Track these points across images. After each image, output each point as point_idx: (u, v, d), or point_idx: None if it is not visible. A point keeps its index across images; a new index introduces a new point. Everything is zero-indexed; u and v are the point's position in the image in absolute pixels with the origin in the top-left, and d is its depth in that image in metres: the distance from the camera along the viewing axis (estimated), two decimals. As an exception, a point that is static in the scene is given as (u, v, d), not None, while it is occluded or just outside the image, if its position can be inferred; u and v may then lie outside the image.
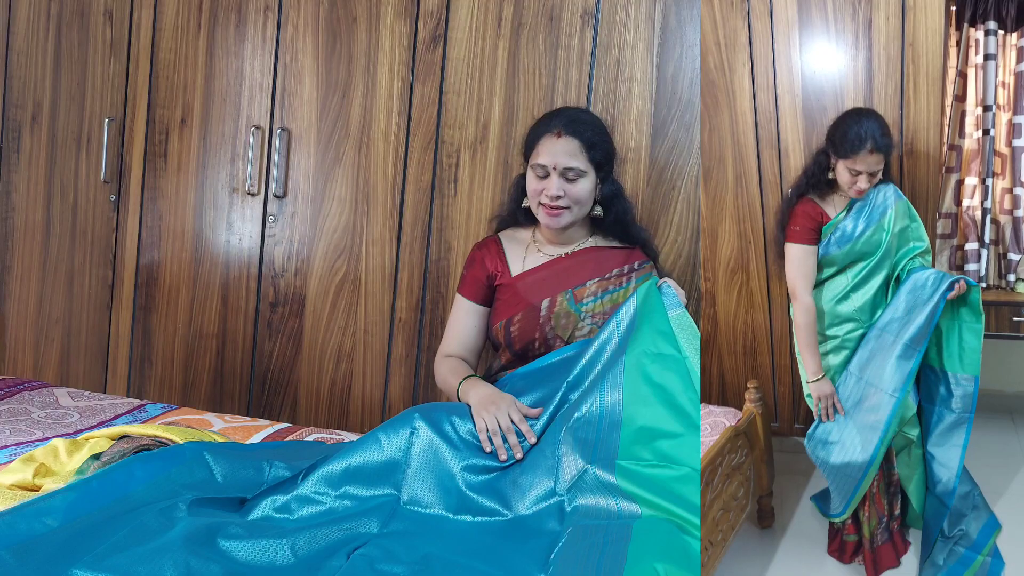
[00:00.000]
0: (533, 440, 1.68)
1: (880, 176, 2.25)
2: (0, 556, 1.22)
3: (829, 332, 2.34)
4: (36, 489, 1.60)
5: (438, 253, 2.52)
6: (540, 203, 1.89)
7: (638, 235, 1.98)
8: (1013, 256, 3.10)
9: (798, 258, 2.31)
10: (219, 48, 2.71)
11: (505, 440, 1.67)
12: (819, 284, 2.36)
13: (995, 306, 2.94)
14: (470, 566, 1.38)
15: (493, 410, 1.70)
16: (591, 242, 1.97)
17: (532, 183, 1.90)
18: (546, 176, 1.87)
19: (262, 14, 2.65)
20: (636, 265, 1.95)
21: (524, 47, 2.41)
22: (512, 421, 1.69)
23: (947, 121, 2.89)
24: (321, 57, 2.59)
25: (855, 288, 2.32)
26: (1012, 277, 3.09)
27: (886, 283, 2.34)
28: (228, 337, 2.74)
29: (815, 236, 2.31)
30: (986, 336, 2.89)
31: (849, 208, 2.31)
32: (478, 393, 1.78)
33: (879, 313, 2.32)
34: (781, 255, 2.39)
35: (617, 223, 1.96)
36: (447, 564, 1.39)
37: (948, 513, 2.32)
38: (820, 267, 2.34)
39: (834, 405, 2.29)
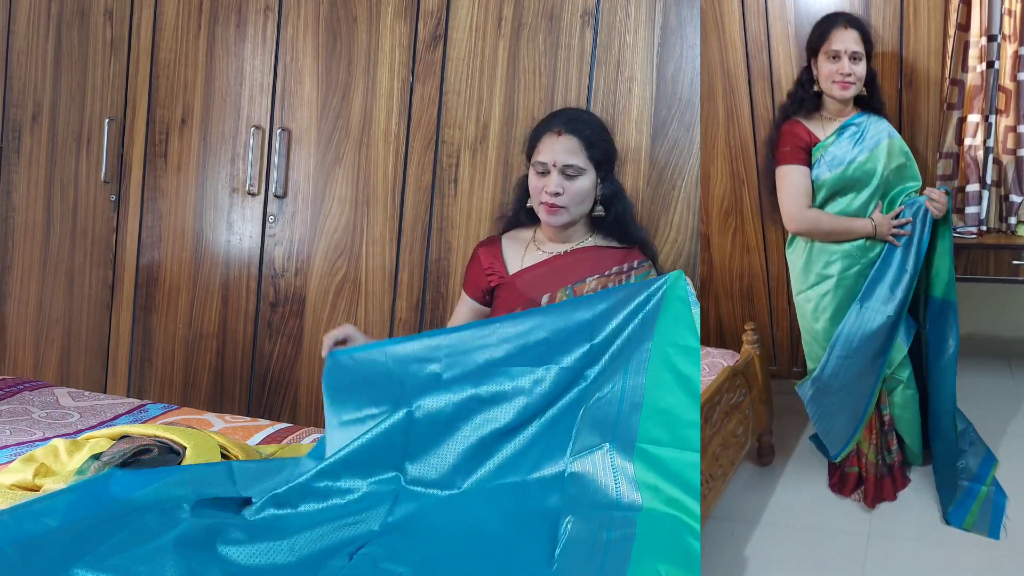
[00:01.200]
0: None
1: (864, 67, 2.18)
2: (5, 551, 1.23)
3: (826, 271, 2.30)
4: (36, 489, 1.60)
5: (438, 253, 2.52)
6: (541, 201, 1.91)
7: (636, 234, 1.99)
8: (1015, 198, 2.97)
9: (789, 178, 2.25)
10: (219, 48, 2.71)
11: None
12: None
13: (995, 249, 2.87)
14: (473, 567, 1.38)
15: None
16: (590, 241, 1.98)
17: (533, 181, 1.93)
18: (546, 173, 1.89)
19: (262, 14, 2.65)
20: (635, 264, 1.95)
21: (524, 47, 2.41)
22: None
23: (949, 53, 2.74)
24: (321, 57, 2.59)
25: None
26: (1013, 220, 2.98)
27: None
28: (228, 337, 2.74)
29: (805, 157, 2.25)
30: (985, 280, 2.86)
31: (841, 132, 2.25)
32: None
33: (876, 250, 2.27)
34: (774, 191, 2.32)
35: (616, 222, 1.96)
36: (450, 563, 1.39)
37: (955, 448, 2.32)
38: (812, 192, 2.27)
39: (900, 226, 2.24)
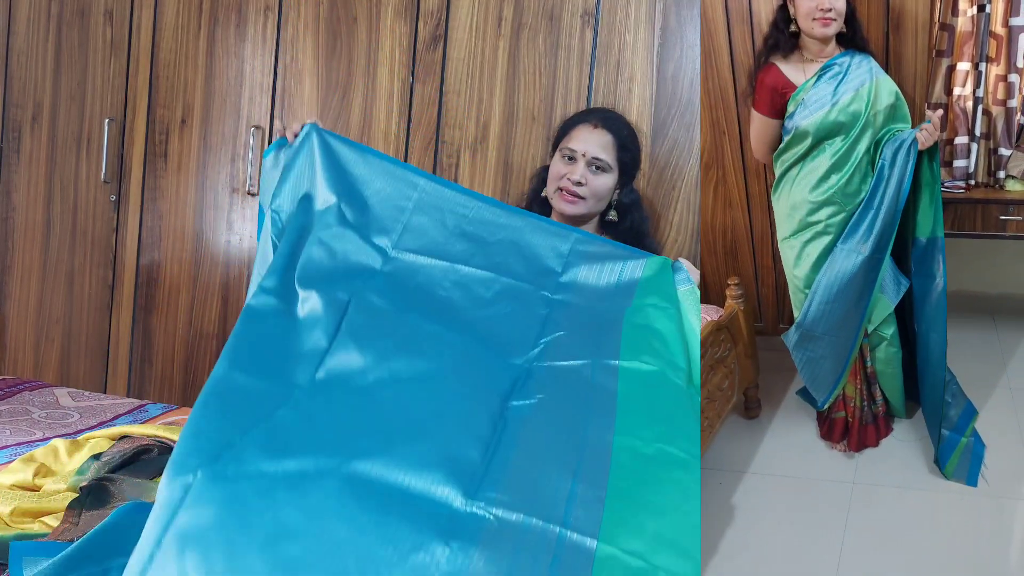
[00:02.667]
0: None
1: (844, 2, 2.09)
2: None
3: (810, 218, 2.22)
4: (36, 489, 1.60)
5: (438, 253, 2.52)
6: (559, 188, 1.89)
7: (650, 247, 1.98)
8: (1004, 151, 2.86)
9: (756, 126, 2.21)
10: (219, 48, 2.71)
11: None
12: (796, 163, 2.22)
13: (983, 204, 2.80)
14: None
15: None
16: None
17: (557, 166, 1.91)
18: (573, 161, 1.89)
19: (262, 14, 2.65)
20: None
21: (524, 47, 2.41)
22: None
23: None
24: (321, 57, 2.59)
25: (835, 168, 2.16)
26: (1002, 174, 2.88)
27: (871, 163, 2.17)
28: (228, 337, 2.74)
29: (778, 108, 2.16)
30: (971, 235, 2.82)
31: (821, 74, 2.13)
32: None
33: (863, 195, 2.17)
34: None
35: (632, 231, 1.96)
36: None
37: (943, 399, 2.31)
38: (793, 141, 2.18)
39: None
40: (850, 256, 2.18)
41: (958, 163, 2.90)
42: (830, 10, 2.06)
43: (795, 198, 2.23)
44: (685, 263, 1.74)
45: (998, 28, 2.82)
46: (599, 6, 2.36)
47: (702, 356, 2.08)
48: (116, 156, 2.85)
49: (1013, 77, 2.85)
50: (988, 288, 3.53)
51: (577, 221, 1.93)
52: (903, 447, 2.46)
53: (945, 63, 2.83)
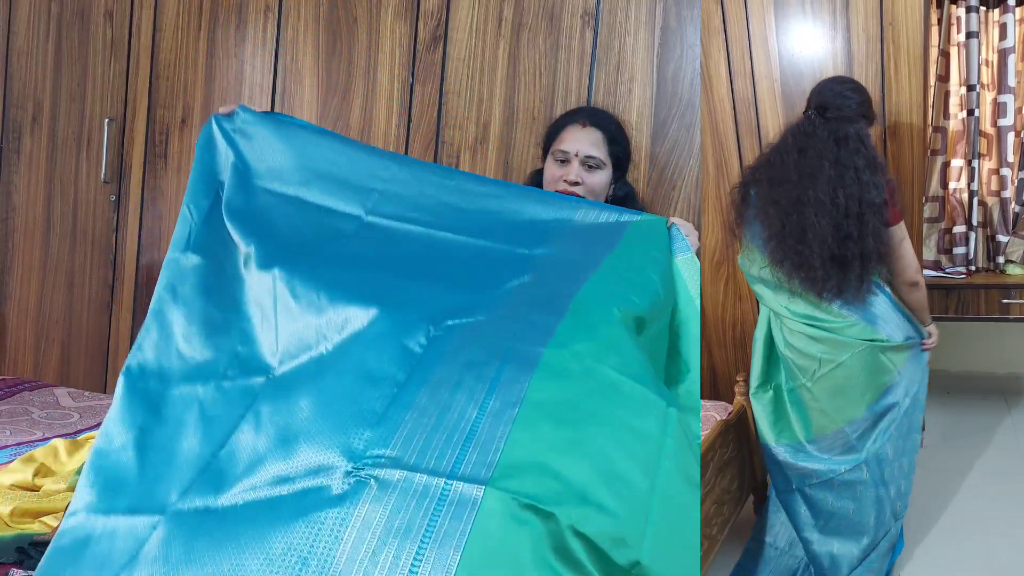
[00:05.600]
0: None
1: None
2: None
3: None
4: (36, 489, 1.60)
5: (438, 253, 2.52)
6: (557, 190, 1.89)
7: None
8: (1002, 238, 3.05)
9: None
10: (219, 49, 2.71)
11: None
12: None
13: (985, 289, 2.92)
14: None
15: None
16: None
17: (551, 170, 1.92)
18: (566, 163, 1.89)
19: (262, 15, 2.65)
20: None
21: (524, 47, 2.41)
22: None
23: (931, 102, 2.81)
24: (321, 58, 2.59)
25: None
26: (1001, 259, 3.04)
27: None
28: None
29: None
30: (976, 319, 2.86)
31: None
32: None
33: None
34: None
35: None
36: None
37: None
38: None
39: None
40: None
41: (957, 250, 3.05)
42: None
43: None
44: (681, 224, 1.68)
45: (987, 128, 3.05)
46: (599, 6, 2.36)
47: (711, 458, 2.06)
48: (116, 156, 2.84)
49: (1005, 171, 3.05)
50: (996, 368, 3.64)
51: None
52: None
53: (940, 160, 3.02)
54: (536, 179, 2.01)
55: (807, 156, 2.11)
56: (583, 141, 1.90)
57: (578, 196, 1.88)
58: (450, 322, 1.35)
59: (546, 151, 1.98)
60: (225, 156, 1.69)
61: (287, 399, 1.30)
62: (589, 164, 1.89)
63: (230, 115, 1.72)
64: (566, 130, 1.94)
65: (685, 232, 1.67)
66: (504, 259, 1.56)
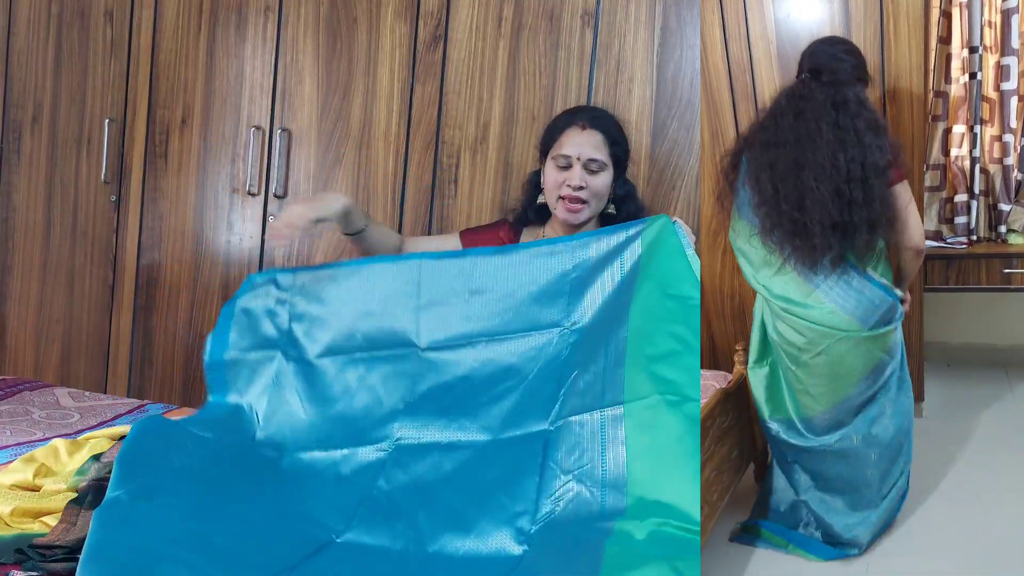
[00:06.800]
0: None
1: None
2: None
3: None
4: (36, 489, 1.60)
5: (438, 253, 2.52)
6: (560, 196, 1.88)
7: None
8: (1003, 206, 2.98)
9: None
10: (219, 48, 2.71)
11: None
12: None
13: (986, 259, 2.88)
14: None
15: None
16: None
17: (552, 175, 1.90)
18: (568, 167, 1.87)
19: (262, 14, 2.65)
20: None
21: (524, 47, 2.41)
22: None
23: (931, 66, 2.72)
24: (321, 57, 2.59)
25: None
26: (1003, 228, 2.99)
27: None
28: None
29: None
30: (977, 289, 2.83)
31: None
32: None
33: None
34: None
35: (629, 220, 1.96)
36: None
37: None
38: None
39: None
40: None
41: (959, 219, 2.99)
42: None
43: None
44: (680, 225, 1.70)
45: (990, 92, 2.94)
46: (599, 6, 2.36)
47: (710, 426, 2.07)
48: (116, 156, 2.85)
49: (1008, 137, 2.96)
50: (997, 340, 3.57)
51: (583, 225, 1.92)
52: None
53: (941, 127, 2.93)
54: (534, 180, 2.01)
55: (804, 119, 2.05)
56: (584, 144, 1.88)
57: (583, 201, 1.87)
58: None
59: (544, 153, 1.97)
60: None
61: None
62: (591, 168, 1.88)
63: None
64: (565, 133, 1.91)
65: (684, 229, 1.70)
66: (551, 352, 1.66)
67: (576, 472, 1.50)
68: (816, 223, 2.02)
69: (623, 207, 1.95)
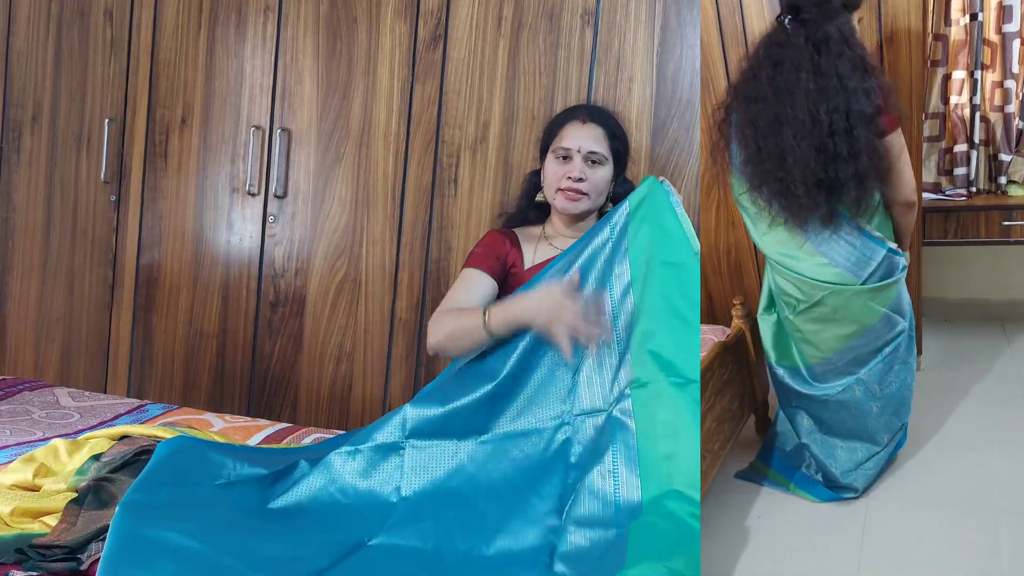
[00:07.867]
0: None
1: None
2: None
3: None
4: (36, 489, 1.60)
5: (438, 253, 2.52)
6: (559, 188, 1.88)
7: None
8: (1004, 157, 2.86)
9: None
10: (219, 48, 2.71)
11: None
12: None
13: (985, 211, 2.79)
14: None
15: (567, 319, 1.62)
16: None
17: (553, 168, 1.89)
18: (568, 159, 1.88)
19: (262, 14, 2.65)
20: None
21: (524, 47, 2.41)
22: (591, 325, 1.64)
23: (931, 6, 2.61)
24: (321, 57, 2.59)
25: None
26: (1003, 179, 2.87)
27: None
28: (228, 337, 2.74)
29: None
30: (975, 243, 2.74)
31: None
32: (522, 305, 1.67)
33: None
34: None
35: None
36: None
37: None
38: None
39: None
40: None
41: (958, 171, 2.88)
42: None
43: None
44: (668, 185, 1.74)
45: (991, 35, 2.81)
46: (599, 6, 2.36)
47: (710, 377, 2.09)
48: (116, 156, 2.85)
49: (1009, 83, 2.83)
50: (995, 294, 3.50)
51: (581, 218, 1.92)
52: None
53: (940, 72, 2.81)
54: (534, 180, 2.00)
55: (782, 70, 1.89)
56: (585, 137, 1.88)
57: (583, 192, 1.87)
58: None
59: (544, 150, 1.97)
60: None
61: None
62: (592, 160, 1.88)
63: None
64: (566, 127, 1.92)
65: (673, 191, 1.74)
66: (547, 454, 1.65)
67: (596, 468, 1.53)
68: (799, 183, 1.90)
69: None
